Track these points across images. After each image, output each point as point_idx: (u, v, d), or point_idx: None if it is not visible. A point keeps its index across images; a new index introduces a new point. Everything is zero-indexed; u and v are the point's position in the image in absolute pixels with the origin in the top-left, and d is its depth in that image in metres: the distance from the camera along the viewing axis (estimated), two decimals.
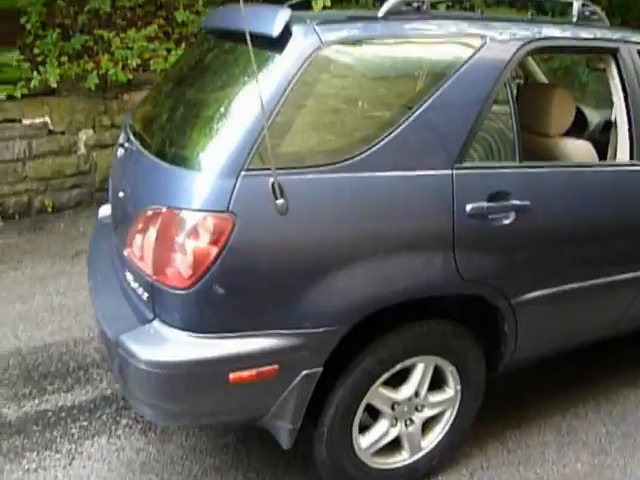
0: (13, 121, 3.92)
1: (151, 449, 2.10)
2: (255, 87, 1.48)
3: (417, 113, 1.63)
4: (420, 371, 1.84)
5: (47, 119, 3.99)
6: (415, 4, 1.72)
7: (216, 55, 1.99)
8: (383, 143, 1.59)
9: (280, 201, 1.46)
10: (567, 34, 2.01)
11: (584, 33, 2.05)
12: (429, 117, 1.65)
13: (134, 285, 1.65)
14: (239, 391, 1.57)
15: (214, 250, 1.43)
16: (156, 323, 1.55)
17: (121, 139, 2.11)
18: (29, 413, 2.23)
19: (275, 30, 1.54)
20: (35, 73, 3.82)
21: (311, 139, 1.60)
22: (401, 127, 1.61)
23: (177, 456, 2.08)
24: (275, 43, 1.56)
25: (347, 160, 1.55)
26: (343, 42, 1.63)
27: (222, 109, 1.67)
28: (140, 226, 1.58)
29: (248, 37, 1.41)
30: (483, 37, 1.77)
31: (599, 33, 2.08)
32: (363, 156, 1.57)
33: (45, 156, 4.05)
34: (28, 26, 3.98)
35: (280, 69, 1.54)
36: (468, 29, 1.81)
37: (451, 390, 1.94)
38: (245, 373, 1.53)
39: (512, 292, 1.85)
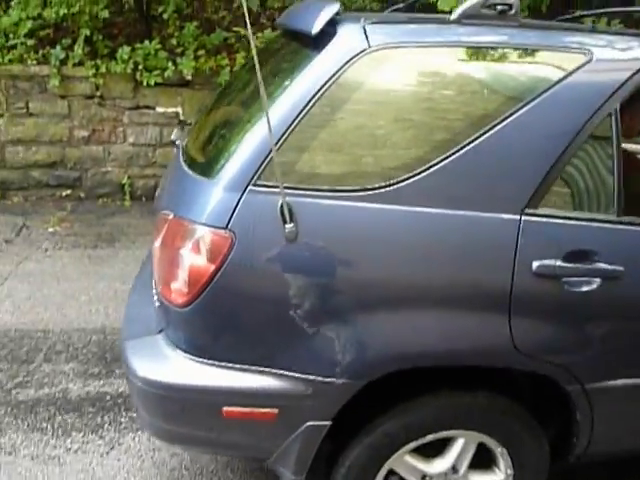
0: (148, 108, 4.25)
1: (185, 456, 2.07)
2: (288, 91, 1.35)
3: (480, 140, 1.34)
4: (459, 446, 1.56)
5: (179, 109, 4.25)
6: (500, 7, 1.42)
7: (278, 57, 1.82)
8: (428, 172, 1.34)
9: (289, 226, 1.29)
10: None
11: None
12: (496, 147, 1.36)
13: (154, 290, 1.60)
14: (235, 427, 1.45)
15: (211, 269, 1.32)
16: (161, 337, 1.49)
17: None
18: (90, 393, 2.36)
19: (315, 27, 1.36)
20: (170, 64, 4.06)
21: (338, 159, 1.38)
22: (455, 156, 1.34)
23: (207, 469, 2.03)
24: (318, 43, 1.39)
25: (380, 188, 1.33)
26: (398, 46, 1.39)
27: (250, 117, 1.52)
28: (156, 229, 1.53)
29: (250, 34, 1.26)
30: (588, 53, 1.41)
31: None
32: (401, 185, 1.33)
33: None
34: (165, 16, 4.22)
35: (312, 73, 1.36)
36: (569, 42, 1.45)
37: (501, 474, 1.62)
38: (240, 410, 1.40)
39: (588, 376, 1.47)
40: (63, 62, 4.10)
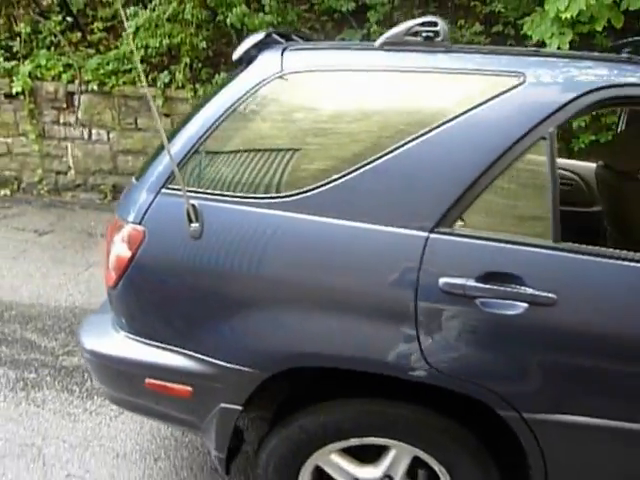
0: None
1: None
2: (206, 107, 1.56)
3: (386, 158, 1.41)
4: (391, 456, 1.58)
5: None
6: (425, 34, 1.47)
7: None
8: (332, 185, 1.42)
9: (194, 225, 1.45)
10: None
11: None
12: (404, 166, 1.41)
13: None
14: (161, 398, 1.63)
15: (128, 256, 1.53)
16: (109, 315, 1.72)
17: None
18: None
19: (236, 54, 1.56)
20: None
21: (245, 169, 1.51)
22: (360, 172, 1.41)
23: (197, 441, 2.22)
24: (242, 67, 1.57)
25: (283, 197, 1.45)
26: (310, 71, 1.52)
27: (174, 132, 1.70)
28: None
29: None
30: (519, 76, 1.40)
31: None
32: (303, 196, 1.44)
33: None
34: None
35: (227, 92, 1.54)
36: (499, 65, 1.45)
37: None
38: (158, 382, 1.59)
39: (525, 405, 1.42)
40: (167, 85, 4.71)
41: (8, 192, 5.24)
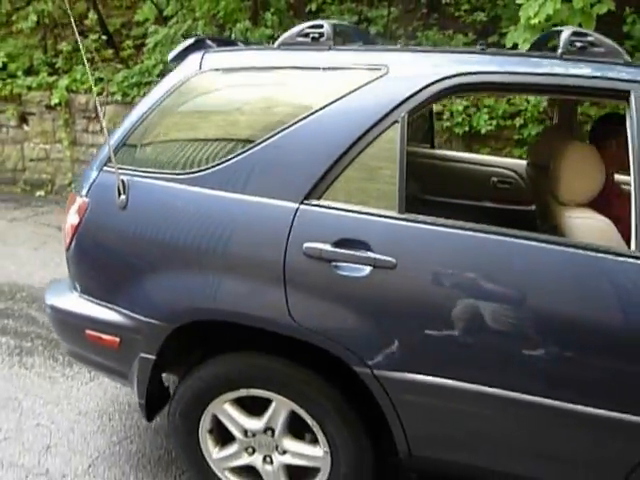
0: None
1: None
2: (141, 102, 1.83)
3: (270, 141, 1.63)
4: (272, 408, 1.77)
5: None
6: (312, 35, 1.69)
7: None
8: (226, 164, 1.66)
9: (122, 197, 1.72)
10: (511, 69, 1.56)
11: (557, 69, 1.54)
12: (284, 147, 1.62)
13: None
14: (97, 349, 1.89)
15: (76, 223, 1.82)
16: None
17: None
18: None
19: (170, 56, 1.84)
20: None
21: (164, 151, 1.78)
22: (248, 153, 1.64)
23: None
24: (173, 68, 1.84)
25: (188, 174, 1.69)
26: (222, 70, 1.77)
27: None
28: None
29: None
30: (382, 69, 1.59)
31: (590, 69, 1.52)
32: (204, 173, 1.68)
33: None
34: None
35: (157, 89, 1.82)
36: (368, 60, 1.64)
37: (320, 450, 1.77)
38: (94, 333, 1.85)
39: (375, 361, 1.57)
40: None
41: (43, 193, 5.80)
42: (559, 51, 1.56)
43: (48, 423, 2.40)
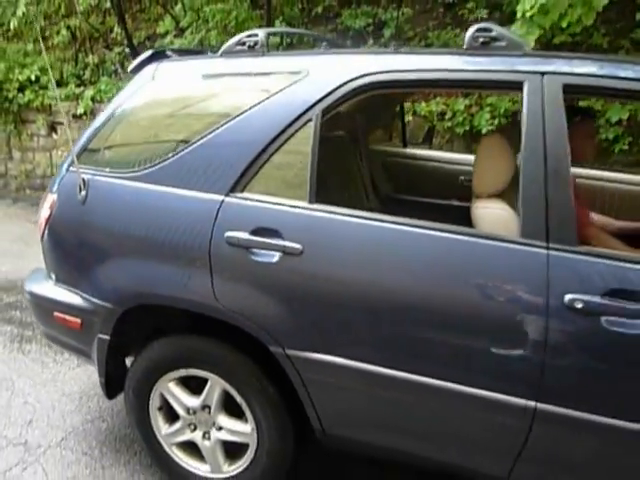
0: None
1: None
2: (106, 108, 2.03)
3: (202, 141, 1.79)
4: (208, 387, 1.92)
5: None
6: (248, 44, 1.83)
7: None
8: (167, 162, 1.83)
9: (82, 193, 1.91)
10: (419, 65, 1.65)
11: (461, 64, 1.62)
12: (213, 145, 1.77)
13: None
14: (64, 329, 2.09)
15: (47, 216, 2.03)
16: None
17: None
18: None
19: (130, 67, 2.02)
20: None
21: (118, 152, 1.98)
22: (184, 151, 1.81)
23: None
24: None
25: (135, 172, 1.87)
26: (173, 78, 1.95)
27: None
28: None
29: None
30: (302, 73, 1.72)
31: (489, 63, 1.59)
32: (147, 171, 1.85)
33: None
34: None
35: (116, 98, 2.01)
36: (292, 64, 1.78)
37: (248, 426, 1.91)
38: (60, 315, 2.05)
39: (287, 341, 1.70)
40: None
41: None
42: (464, 46, 1.64)
43: (34, 401, 2.63)
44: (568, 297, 1.42)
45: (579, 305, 1.41)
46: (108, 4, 6.51)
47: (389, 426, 1.72)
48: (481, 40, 1.61)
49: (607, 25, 4.68)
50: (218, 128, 1.79)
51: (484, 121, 4.43)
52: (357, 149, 2.82)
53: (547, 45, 4.70)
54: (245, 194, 1.73)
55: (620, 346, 1.42)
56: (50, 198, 2.06)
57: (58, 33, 6.44)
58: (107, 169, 1.94)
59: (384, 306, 1.59)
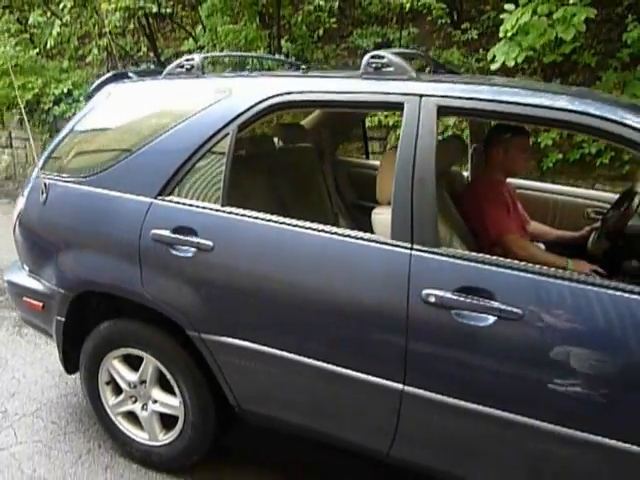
0: None
1: None
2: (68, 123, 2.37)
3: (139, 151, 2.10)
4: (143, 364, 2.21)
5: None
6: (186, 67, 2.14)
7: None
8: (110, 169, 2.15)
9: (43, 195, 2.26)
10: (321, 87, 1.90)
11: (353, 86, 1.86)
12: (145, 156, 2.09)
13: None
14: (31, 312, 2.44)
15: (17, 214, 2.39)
16: None
17: None
18: None
19: (90, 88, 2.36)
20: None
21: (74, 161, 2.31)
22: (123, 161, 2.12)
23: None
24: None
25: (85, 178, 2.20)
26: (125, 98, 2.29)
27: None
28: None
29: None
30: (226, 92, 2.01)
31: (376, 86, 1.81)
32: (94, 177, 2.18)
33: None
34: None
35: (76, 115, 2.37)
36: (219, 85, 2.07)
37: (176, 400, 2.18)
38: (28, 300, 2.41)
39: (201, 326, 1.97)
40: None
41: None
42: (360, 71, 1.88)
43: (20, 377, 3.00)
44: (425, 292, 1.63)
45: (432, 299, 1.62)
46: (133, 24, 7.04)
47: (289, 403, 1.97)
48: (374, 66, 1.85)
49: (599, 45, 4.77)
50: (152, 140, 2.10)
51: None
52: (322, 160, 3.09)
53: (539, 64, 4.84)
54: (170, 197, 2.02)
55: (466, 336, 1.62)
56: (20, 200, 2.43)
57: (90, 52, 6.99)
58: (64, 175, 2.28)
59: (277, 296, 1.84)
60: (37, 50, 7.38)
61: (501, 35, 3.96)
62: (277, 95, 1.93)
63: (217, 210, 1.94)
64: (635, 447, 1.46)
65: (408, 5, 5.10)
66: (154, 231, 2.00)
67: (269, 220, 1.88)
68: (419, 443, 1.79)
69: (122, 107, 2.32)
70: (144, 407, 2.28)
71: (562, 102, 1.65)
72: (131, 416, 2.35)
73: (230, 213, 1.93)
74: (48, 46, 6.54)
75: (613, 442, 1.46)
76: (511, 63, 3.98)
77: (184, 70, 2.18)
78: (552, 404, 1.52)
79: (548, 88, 2.25)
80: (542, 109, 1.62)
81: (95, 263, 2.16)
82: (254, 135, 2.37)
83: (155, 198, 2.04)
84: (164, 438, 2.27)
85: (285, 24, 6.15)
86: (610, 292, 1.50)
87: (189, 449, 2.20)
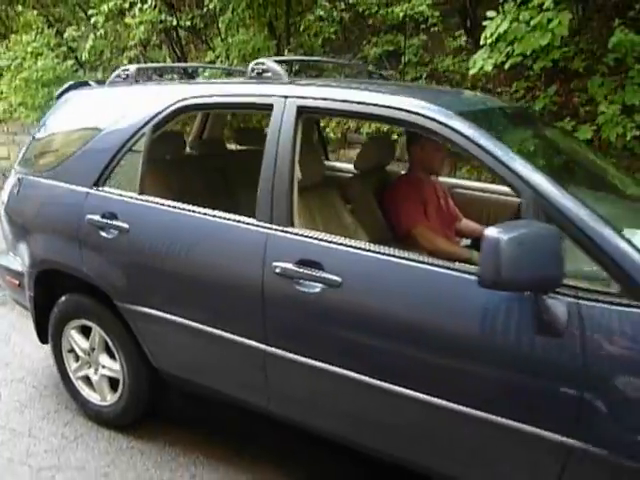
0: None
1: None
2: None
3: (83, 148, 2.48)
4: (93, 333, 2.57)
5: None
6: (123, 76, 2.49)
7: None
8: (63, 165, 2.53)
9: (17, 188, 2.68)
10: (214, 92, 2.17)
11: (237, 89, 2.12)
12: (86, 152, 2.45)
13: None
14: (11, 288, 2.87)
15: (2, 204, 2.83)
16: None
17: None
18: None
19: (56, 94, 2.76)
20: None
21: (39, 158, 2.71)
22: (71, 157, 2.51)
23: None
24: None
25: (43, 172, 2.60)
26: (79, 103, 2.68)
27: None
28: None
29: None
30: (147, 98, 2.35)
31: (253, 89, 2.07)
32: (50, 172, 2.57)
33: None
34: None
35: (42, 119, 2.78)
36: (143, 92, 2.41)
37: (117, 365, 2.52)
38: (8, 278, 2.85)
39: (124, 297, 2.31)
40: None
41: None
42: (247, 76, 2.16)
43: (18, 350, 3.46)
44: (274, 264, 1.88)
45: (278, 270, 1.86)
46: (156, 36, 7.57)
47: (191, 365, 2.26)
48: (256, 71, 2.12)
49: (587, 52, 4.74)
50: (92, 139, 2.47)
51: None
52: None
53: (529, 70, 4.85)
54: (102, 187, 2.38)
55: (304, 303, 1.84)
56: (4, 193, 2.87)
57: (122, 63, 7.60)
58: (32, 170, 2.69)
59: (176, 271, 2.15)
60: (72, 62, 8.06)
61: (482, 42, 4.06)
62: (181, 100, 2.24)
63: (134, 198, 2.27)
64: (440, 400, 1.63)
65: (402, 14, 5.26)
66: (89, 216, 2.36)
67: (172, 207, 2.18)
68: (289, 399, 2.02)
69: (75, 112, 2.72)
70: (96, 372, 2.64)
71: (398, 100, 1.84)
72: (87, 380, 2.71)
73: (144, 201, 2.25)
74: (83, 58, 7.13)
75: (422, 396, 1.65)
76: (489, 68, 4.08)
77: (121, 79, 2.54)
78: (371, 361, 1.72)
79: (404, 89, 2.44)
80: (383, 108, 1.83)
81: (48, 244, 2.55)
82: (166, 134, 2.68)
83: (91, 188, 2.40)
84: (111, 399, 2.61)
85: (293, 33, 6.46)
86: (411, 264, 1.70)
87: (127, 409, 2.54)
